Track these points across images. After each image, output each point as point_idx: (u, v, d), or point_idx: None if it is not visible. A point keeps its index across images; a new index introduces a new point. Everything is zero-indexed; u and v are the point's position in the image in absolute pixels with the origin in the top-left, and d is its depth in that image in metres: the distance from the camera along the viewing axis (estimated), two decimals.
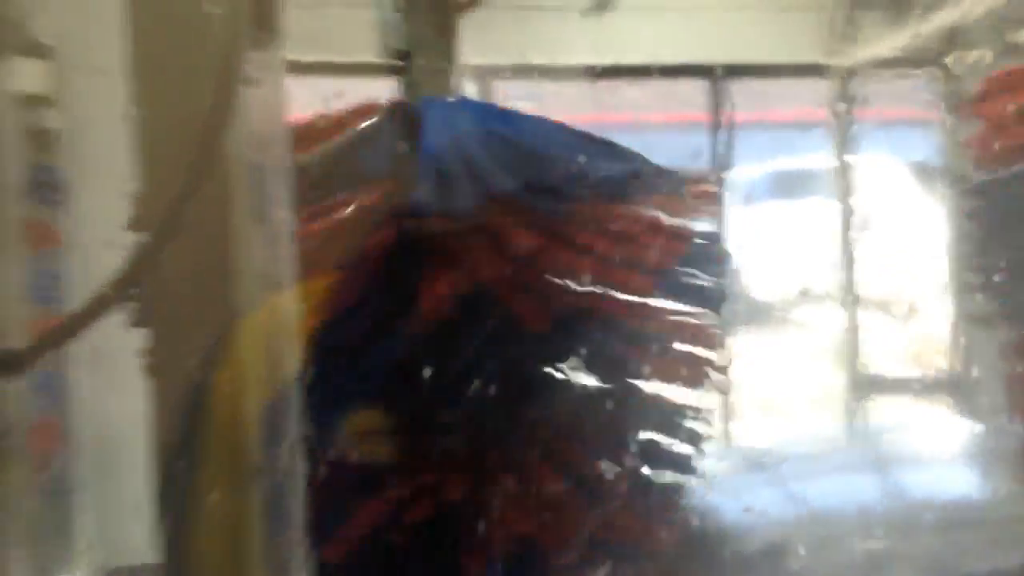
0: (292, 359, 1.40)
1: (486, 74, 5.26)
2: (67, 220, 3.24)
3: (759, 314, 7.66)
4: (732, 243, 2.27)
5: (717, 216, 2.21)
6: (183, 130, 1.29)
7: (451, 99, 2.25)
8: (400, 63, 2.33)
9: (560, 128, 2.20)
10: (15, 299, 1.42)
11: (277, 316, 1.44)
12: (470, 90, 5.57)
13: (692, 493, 2.09)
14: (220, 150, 1.28)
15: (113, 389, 2.06)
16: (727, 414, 4.54)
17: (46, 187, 3.11)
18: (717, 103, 5.26)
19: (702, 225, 2.20)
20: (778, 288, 7.86)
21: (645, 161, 2.26)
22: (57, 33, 3.80)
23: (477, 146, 2.04)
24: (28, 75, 3.78)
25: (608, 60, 5.31)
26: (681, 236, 2.13)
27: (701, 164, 5.47)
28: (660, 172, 2.23)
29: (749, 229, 8.52)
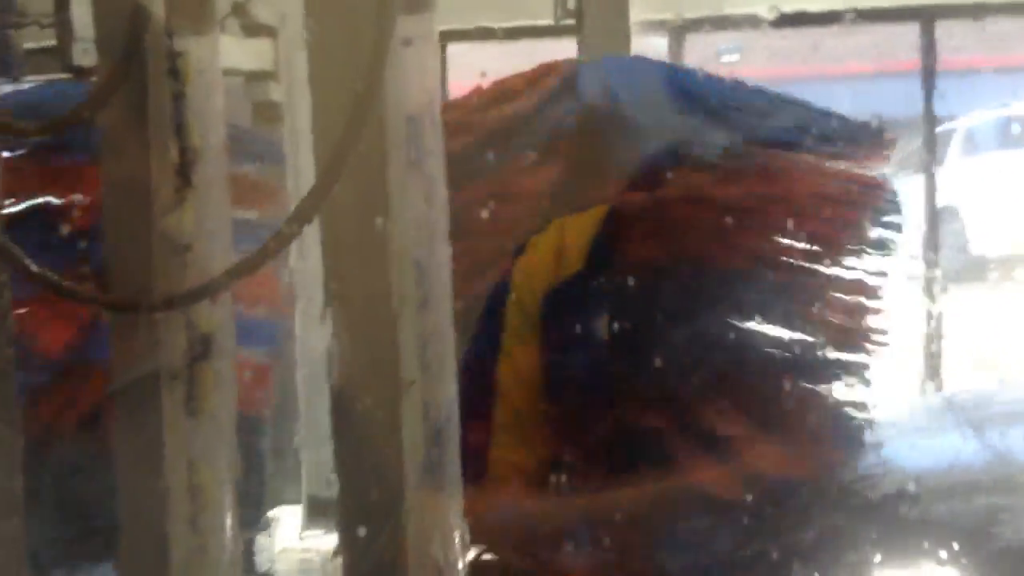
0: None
1: (680, 29, 5.24)
2: (291, 181, 3.59)
3: (978, 269, 7.18)
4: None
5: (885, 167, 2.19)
6: (346, 86, 1.47)
7: (630, 57, 2.34)
8: (574, 23, 2.42)
9: (740, 85, 2.21)
10: (225, 238, 1.66)
11: (559, 236, 1.87)
12: (662, 45, 5.56)
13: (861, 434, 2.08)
14: (376, 103, 1.45)
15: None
16: (933, 365, 4.36)
17: (271, 152, 3.42)
18: (929, 46, 4.97)
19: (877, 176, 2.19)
20: (1001, 243, 7.31)
21: (823, 113, 2.24)
22: (279, 14, 4.19)
23: (667, 102, 2.07)
24: (253, 53, 4.20)
25: (810, 7, 5.14)
26: (868, 189, 2.13)
27: (912, 112, 5.21)
28: (838, 124, 2.22)
29: (972, 181, 7.99)
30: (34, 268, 1.47)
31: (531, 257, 1.94)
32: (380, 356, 1.56)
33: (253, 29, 4.13)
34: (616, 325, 1.87)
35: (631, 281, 1.88)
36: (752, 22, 4.88)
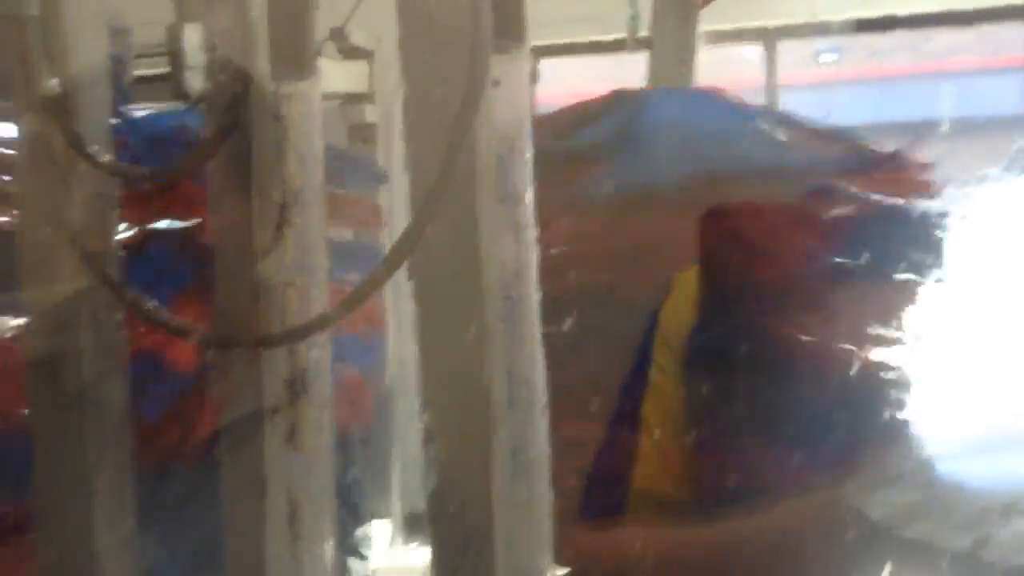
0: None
1: (774, 36, 5.16)
2: (387, 201, 3.66)
3: None
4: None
5: (927, 193, 2.23)
6: (440, 124, 1.51)
7: (680, 89, 2.36)
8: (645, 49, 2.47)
9: (778, 119, 2.28)
10: (322, 272, 1.73)
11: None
12: (755, 53, 5.48)
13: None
14: (468, 141, 1.48)
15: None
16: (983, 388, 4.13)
17: (367, 173, 3.48)
18: None
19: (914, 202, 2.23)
20: None
21: (852, 146, 2.30)
22: (374, 37, 4.28)
23: (684, 135, 2.17)
24: (349, 76, 4.30)
25: (910, 9, 4.99)
26: (892, 214, 2.17)
27: (1019, 109, 4.99)
28: (868, 154, 2.28)
29: None
30: (148, 307, 1.55)
31: (676, 294, 2.02)
32: (470, 389, 1.59)
33: (349, 52, 4.23)
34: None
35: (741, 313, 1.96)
36: (844, 28, 4.76)
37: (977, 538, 1.82)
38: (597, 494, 1.91)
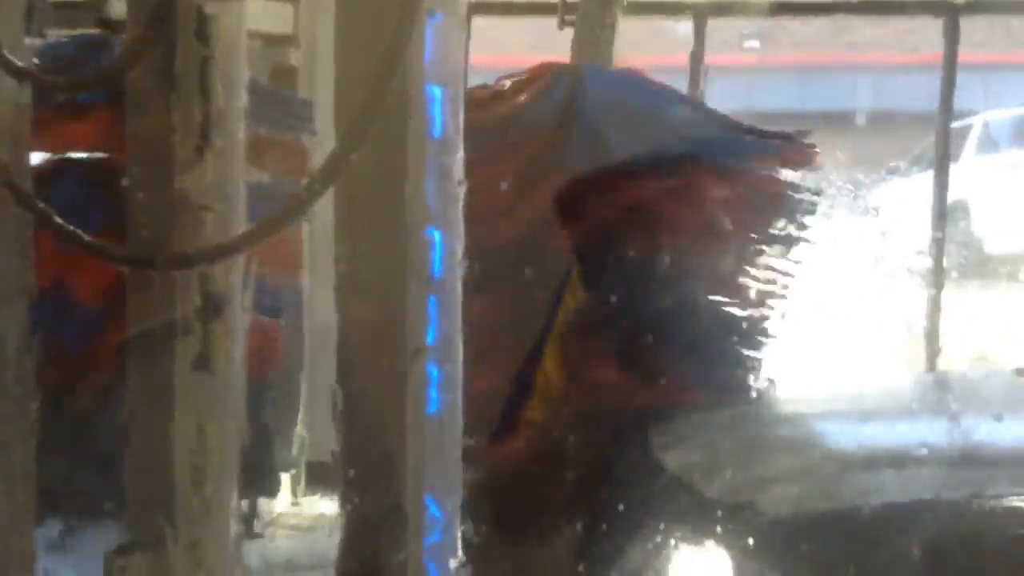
0: None
1: (703, 12, 5.22)
2: (312, 143, 3.57)
3: (987, 266, 7.17)
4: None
5: (808, 169, 2.64)
6: (370, 54, 1.48)
7: (606, 70, 2.73)
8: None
9: (686, 102, 2.74)
10: (240, 197, 1.69)
11: None
12: (686, 29, 5.55)
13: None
14: (398, 73, 1.46)
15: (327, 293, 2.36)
16: (932, 358, 4.39)
17: (294, 115, 3.39)
18: (953, 42, 4.93)
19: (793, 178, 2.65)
20: (1013, 241, 7.29)
21: (747, 129, 2.77)
22: None
23: (620, 114, 2.54)
24: (274, 17, 4.20)
25: None
26: (775, 192, 2.59)
27: (933, 106, 5.18)
28: (759, 137, 2.71)
29: (987, 178, 7.95)
30: (58, 222, 1.49)
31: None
32: (389, 325, 1.58)
33: None
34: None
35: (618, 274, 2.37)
36: (774, 9, 4.84)
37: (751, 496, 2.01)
38: (503, 421, 2.40)
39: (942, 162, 5.00)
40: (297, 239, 3.15)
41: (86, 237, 1.51)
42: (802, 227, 2.59)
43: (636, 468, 2.29)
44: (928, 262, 4.83)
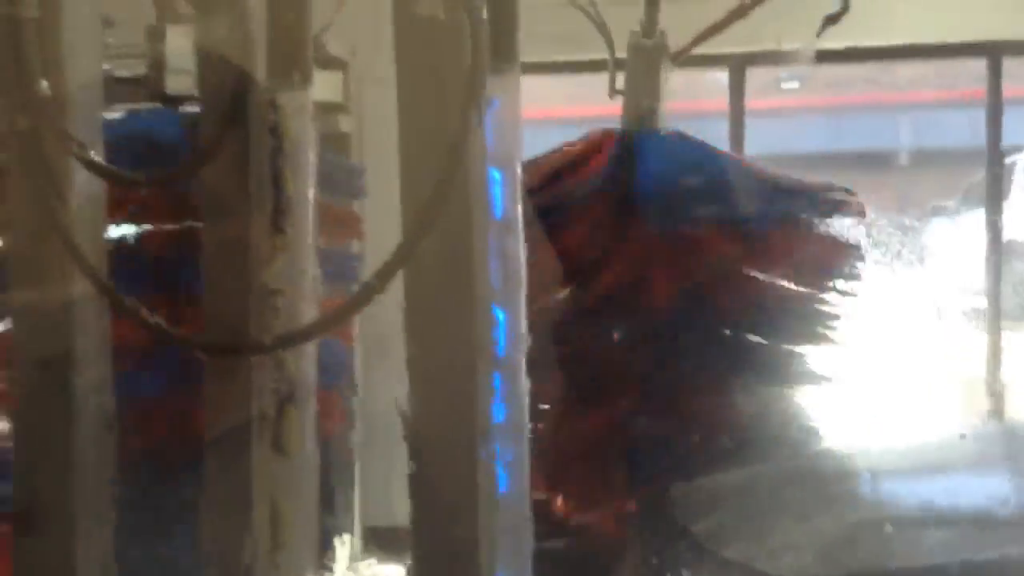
0: None
1: (742, 62, 5.27)
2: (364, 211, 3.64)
3: None
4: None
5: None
6: (433, 143, 1.54)
7: (663, 134, 2.73)
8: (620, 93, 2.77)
9: (748, 170, 2.75)
10: (309, 280, 1.74)
11: None
12: (723, 79, 5.59)
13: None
14: (464, 161, 1.51)
15: (387, 367, 2.42)
16: (997, 403, 4.30)
17: (346, 181, 3.45)
18: (995, 80, 4.92)
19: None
20: None
21: (806, 193, 2.82)
22: (350, 47, 4.29)
23: (681, 178, 2.64)
24: (324, 85, 4.30)
25: (873, 41, 5.12)
26: (838, 252, 2.72)
27: (977, 142, 5.16)
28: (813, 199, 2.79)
29: None
30: (134, 308, 1.55)
31: None
32: (457, 405, 1.61)
33: (324, 62, 4.23)
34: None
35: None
36: (814, 57, 4.86)
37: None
38: None
39: (993, 203, 4.95)
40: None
41: (166, 326, 1.57)
42: (857, 277, 2.71)
43: (659, 530, 2.33)
44: (983, 305, 4.76)
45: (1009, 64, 4.98)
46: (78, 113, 1.67)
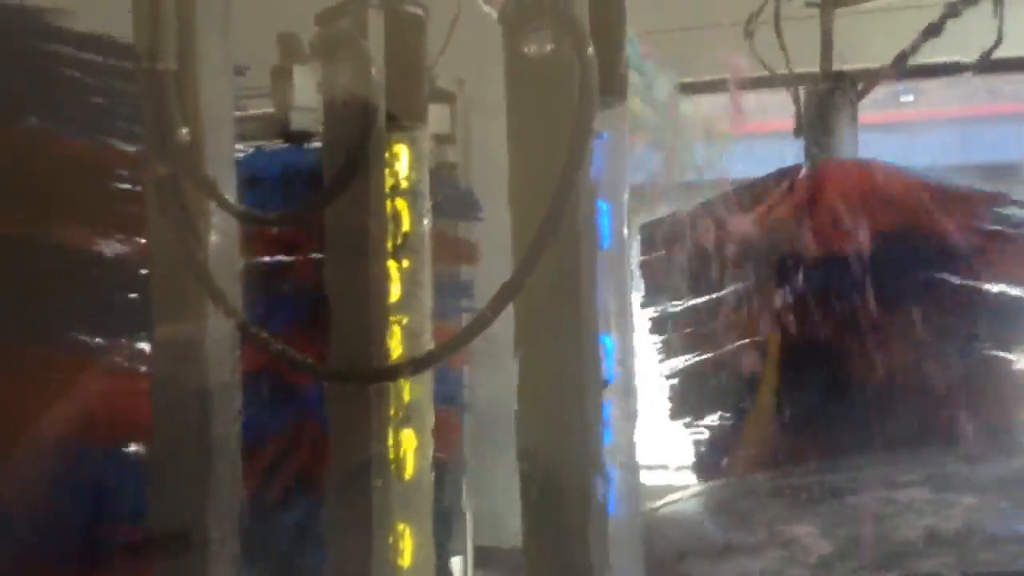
0: None
1: (859, 76, 5.17)
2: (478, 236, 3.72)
3: None
4: None
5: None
6: (546, 177, 1.59)
7: (845, 161, 2.94)
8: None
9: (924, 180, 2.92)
10: (428, 309, 1.82)
11: None
12: (845, 89, 5.51)
13: None
14: (574, 194, 1.56)
15: (497, 382, 2.48)
16: None
17: (459, 204, 3.54)
18: None
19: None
20: None
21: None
22: (456, 79, 4.41)
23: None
24: (433, 117, 4.43)
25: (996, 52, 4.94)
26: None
27: None
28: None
29: None
30: (270, 343, 1.64)
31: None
32: (567, 431, 1.65)
33: (434, 95, 4.35)
34: None
35: None
36: (921, 72, 4.73)
37: None
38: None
39: None
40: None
41: (298, 356, 1.65)
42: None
43: None
44: None
45: None
46: (213, 157, 1.78)
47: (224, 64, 1.84)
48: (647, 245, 3.16)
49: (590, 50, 1.51)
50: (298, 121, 2.58)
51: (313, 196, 1.74)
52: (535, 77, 1.61)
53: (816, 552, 2.03)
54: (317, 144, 2.20)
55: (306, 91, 2.48)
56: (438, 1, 2.23)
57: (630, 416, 1.68)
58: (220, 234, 1.80)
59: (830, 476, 2.37)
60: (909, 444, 2.56)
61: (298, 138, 2.58)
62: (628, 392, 1.69)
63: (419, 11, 1.81)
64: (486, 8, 2.40)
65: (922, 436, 2.59)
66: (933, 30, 3.36)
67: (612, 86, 1.63)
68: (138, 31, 1.72)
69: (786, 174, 3.10)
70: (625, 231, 1.68)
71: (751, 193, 3.06)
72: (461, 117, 4.63)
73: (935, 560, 1.94)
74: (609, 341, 1.67)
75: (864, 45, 3.91)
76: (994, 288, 2.87)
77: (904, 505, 2.16)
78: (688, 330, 3.19)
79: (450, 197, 3.26)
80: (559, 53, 1.56)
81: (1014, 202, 2.92)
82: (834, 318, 2.72)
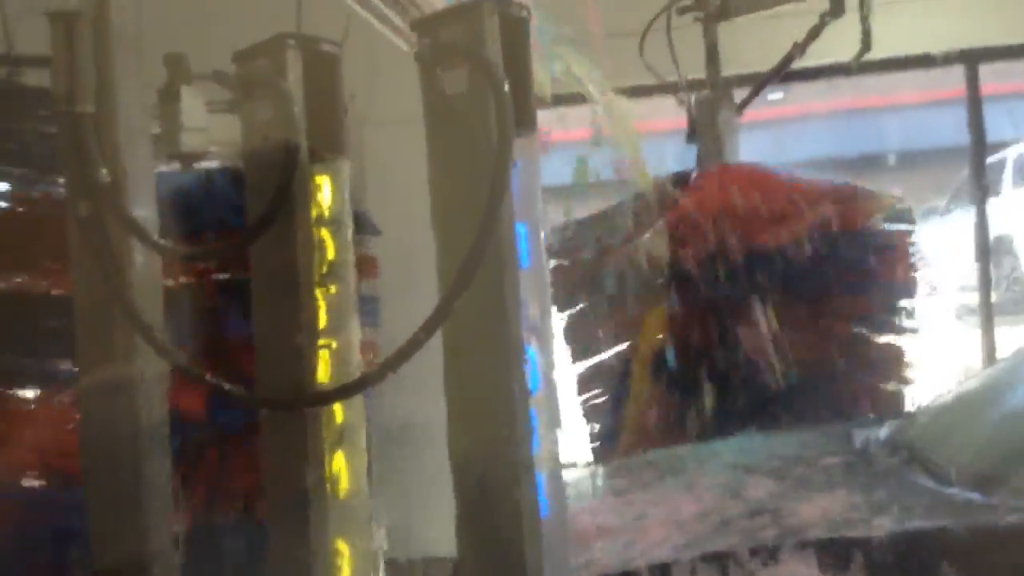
0: None
1: (741, 81, 5.43)
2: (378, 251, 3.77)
3: None
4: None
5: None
6: (468, 206, 1.68)
7: (721, 165, 3.38)
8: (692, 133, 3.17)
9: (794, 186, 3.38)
10: (355, 331, 1.88)
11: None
12: (730, 96, 5.80)
13: None
14: (499, 219, 1.66)
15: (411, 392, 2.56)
16: None
17: (366, 227, 3.59)
18: (974, 87, 5.08)
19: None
20: None
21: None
22: (348, 93, 4.45)
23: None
24: None
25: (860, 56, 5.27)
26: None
27: (964, 141, 5.35)
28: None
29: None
30: (198, 371, 1.68)
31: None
32: (498, 442, 1.74)
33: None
34: None
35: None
36: (792, 76, 5.04)
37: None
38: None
39: (979, 205, 5.10)
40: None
41: (227, 386, 1.70)
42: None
43: None
44: (973, 297, 4.90)
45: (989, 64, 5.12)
46: (134, 195, 1.81)
47: (140, 104, 1.87)
48: (551, 253, 3.36)
49: (505, 88, 1.61)
50: (188, 142, 2.55)
51: (243, 231, 1.79)
52: (452, 113, 1.70)
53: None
54: (207, 164, 2.23)
55: (195, 111, 2.46)
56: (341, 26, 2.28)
57: (554, 423, 1.79)
58: (144, 271, 1.83)
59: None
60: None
61: (188, 159, 2.55)
62: (551, 400, 1.79)
63: (335, 49, 1.88)
64: (400, 43, 2.48)
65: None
66: (813, 34, 3.69)
67: (524, 118, 1.73)
68: (56, 75, 1.74)
69: (680, 179, 3.40)
70: (542, 248, 1.79)
71: (644, 202, 3.36)
72: (353, 131, 4.67)
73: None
74: (533, 353, 1.77)
75: (739, 52, 4.15)
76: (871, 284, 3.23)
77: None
78: (580, 332, 3.49)
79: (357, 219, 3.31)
80: (475, 91, 1.65)
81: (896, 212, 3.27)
82: (703, 320, 3.10)
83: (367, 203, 4.11)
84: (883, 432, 2.63)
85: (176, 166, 2.62)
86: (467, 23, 1.65)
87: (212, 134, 2.10)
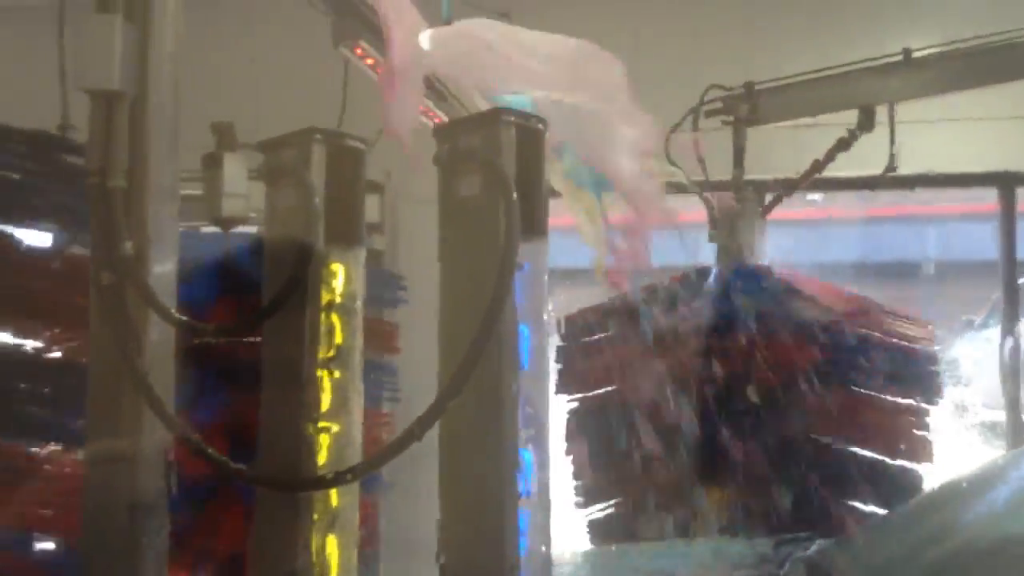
0: None
1: (768, 187, 5.48)
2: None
3: None
4: None
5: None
6: (473, 305, 1.72)
7: (748, 269, 3.36)
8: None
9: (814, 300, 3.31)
10: (357, 414, 1.91)
11: None
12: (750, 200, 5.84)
13: None
14: (500, 319, 1.69)
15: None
16: None
17: (384, 293, 3.61)
18: (1008, 209, 5.09)
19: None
20: None
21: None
22: (384, 171, 4.57)
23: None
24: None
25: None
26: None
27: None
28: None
29: None
30: (203, 448, 1.71)
31: None
32: (486, 541, 1.75)
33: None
34: None
35: None
36: (827, 185, 5.07)
37: None
38: None
39: (1009, 324, 5.05)
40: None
41: (232, 464, 1.72)
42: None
43: None
44: (1001, 416, 4.81)
45: None
46: (156, 269, 1.86)
47: (172, 181, 1.94)
48: (566, 334, 3.38)
49: (514, 195, 1.66)
50: (228, 207, 2.60)
51: (254, 311, 1.84)
52: (465, 214, 1.76)
53: None
54: (245, 229, 2.28)
55: (237, 178, 2.52)
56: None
57: (544, 526, 1.80)
58: (158, 342, 1.87)
59: None
60: None
61: (228, 223, 2.60)
62: (544, 503, 1.80)
63: (359, 144, 1.96)
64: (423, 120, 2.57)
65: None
66: (842, 146, 3.73)
67: (533, 224, 1.79)
68: (91, 149, 1.81)
69: (700, 275, 3.40)
70: (545, 351, 1.82)
71: (662, 293, 3.35)
72: (389, 206, 4.80)
73: None
74: (528, 455, 1.79)
75: (770, 157, 4.21)
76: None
77: None
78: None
79: (376, 284, 3.35)
80: (487, 195, 1.71)
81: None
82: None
83: (399, 270, 4.19)
84: (811, 550, 2.55)
85: (215, 229, 2.69)
86: (485, 132, 1.72)
87: (252, 200, 2.19)
